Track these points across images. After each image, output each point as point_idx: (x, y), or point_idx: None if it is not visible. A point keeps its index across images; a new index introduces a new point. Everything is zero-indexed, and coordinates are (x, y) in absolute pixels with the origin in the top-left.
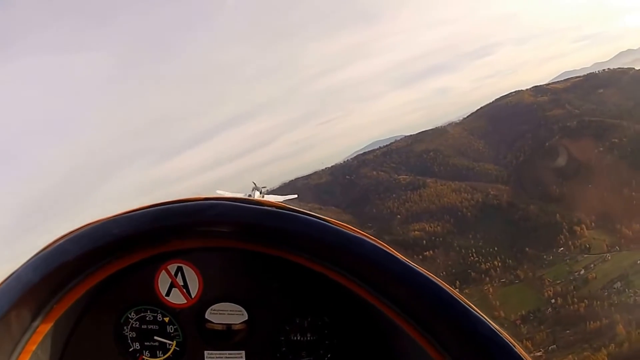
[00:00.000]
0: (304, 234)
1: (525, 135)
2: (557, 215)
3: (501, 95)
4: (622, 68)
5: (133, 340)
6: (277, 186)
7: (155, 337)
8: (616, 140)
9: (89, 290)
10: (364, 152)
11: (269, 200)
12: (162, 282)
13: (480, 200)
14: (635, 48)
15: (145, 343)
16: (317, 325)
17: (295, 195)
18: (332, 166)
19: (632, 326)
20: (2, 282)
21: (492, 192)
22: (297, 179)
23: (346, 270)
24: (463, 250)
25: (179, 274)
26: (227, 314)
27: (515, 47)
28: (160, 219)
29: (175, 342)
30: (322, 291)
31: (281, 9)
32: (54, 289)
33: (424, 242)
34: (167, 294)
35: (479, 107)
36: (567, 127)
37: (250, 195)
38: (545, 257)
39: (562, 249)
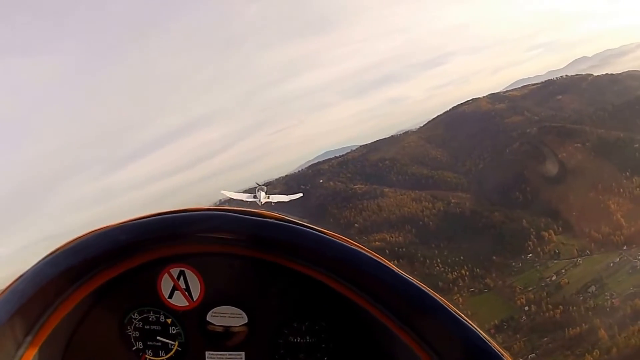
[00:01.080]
0: (301, 245)
1: (484, 142)
2: (524, 221)
3: (457, 104)
4: (580, 74)
5: (136, 339)
6: None
7: (158, 338)
8: (579, 144)
9: (94, 291)
10: (319, 162)
11: (268, 212)
12: (165, 285)
13: (442, 209)
14: (590, 55)
15: (148, 343)
16: (314, 329)
17: (301, 195)
18: (286, 176)
19: (614, 330)
20: (12, 284)
21: (453, 201)
22: (250, 189)
23: (342, 279)
24: (428, 261)
25: (181, 277)
26: (227, 317)
27: (469, 56)
28: (164, 227)
29: (177, 342)
30: (320, 297)
31: (232, 17)
32: (60, 290)
33: (387, 252)
34: (170, 297)
35: (435, 116)
36: (527, 134)
37: (255, 196)
38: (514, 264)
39: (530, 255)
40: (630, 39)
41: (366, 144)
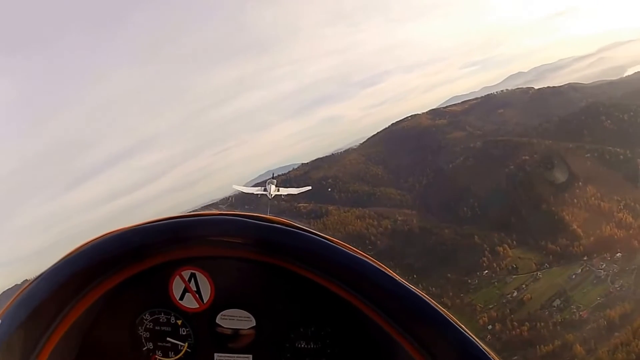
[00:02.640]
0: (308, 251)
1: (426, 158)
2: (475, 237)
3: (397, 120)
4: (522, 88)
5: (147, 340)
6: None
7: (168, 339)
8: (527, 157)
9: (107, 292)
10: (262, 182)
11: (277, 218)
12: (177, 287)
13: (388, 226)
14: (525, 70)
15: (159, 343)
16: (320, 334)
17: (309, 187)
18: (229, 198)
19: (590, 344)
20: (28, 285)
21: (400, 218)
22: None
23: (346, 286)
24: None
25: (192, 279)
26: (236, 320)
27: (404, 74)
28: (176, 230)
29: (187, 343)
30: (326, 303)
31: (173, 40)
32: (77, 290)
33: None
34: (181, 298)
35: (374, 133)
36: (470, 148)
37: (265, 189)
38: (470, 281)
39: (486, 271)
40: (568, 53)
41: (307, 163)
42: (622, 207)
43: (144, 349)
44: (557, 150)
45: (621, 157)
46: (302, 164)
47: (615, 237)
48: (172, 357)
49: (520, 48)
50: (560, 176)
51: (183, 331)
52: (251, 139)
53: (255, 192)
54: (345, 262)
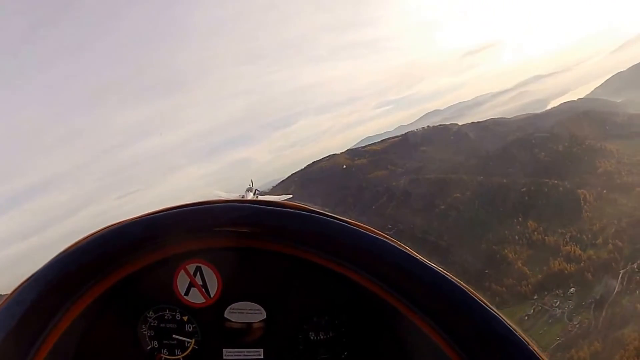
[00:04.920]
0: (322, 236)
1: (347, 199)
2: None
3: (313, 161)
4: (444, 124)
5: (151, 338)
6: None
7: (174, 336)
8: (458, 195)
9: (108, 289)
10: None
11: (288, 201)
12: (181, 282)
13: None
14: (442, 108)
15: (164, 341)
16: (334, 323)
17: (291, 195)
18: None
19: None
20: (26, 281)
21: None
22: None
23: (365, 270)
24: None
25: (198, 273)
26: (246, 313)
27: (317, 116)
28: (179, 221)
29: (194, 340)
30: (341, 290)
31: (84, 79)
32: (72, 288)
33: None
34: (186, 294)
35: (288, 175)
36: (393, 187)
37: (243, 196)
38: None
39: None
40: (485, 90)
41: None
42: (568, 239)
43: (149, 348)
44: (490, 186)
45: (560, 188)
46: None
47: (566, 271)
48: (178, 355)
49: (435, 86)
50: (496, 212)
51: (189, 327)
52: (159, 181)
53: (223, 195)
54: (363, 244)
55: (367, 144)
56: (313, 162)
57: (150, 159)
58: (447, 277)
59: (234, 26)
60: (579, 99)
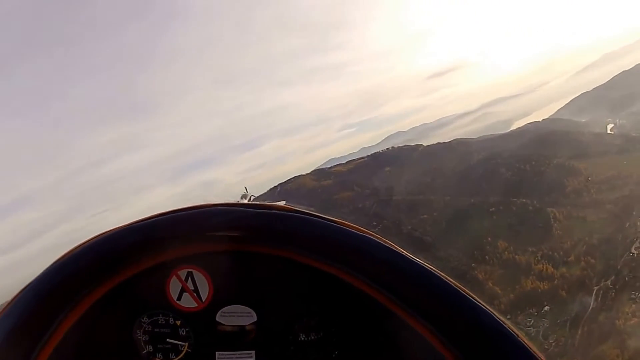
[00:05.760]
0: (311, 235)
1: None
2: None
3: (280, 182)
4: (409, 145)
5: (146, 343)
6: None
7: (168, 340)
8: (426, 215)
9: (102, 297)
10: None
11: (275, 204)
12: (174, 287)
13: None
14: (405, 130)
15: (158, 345)
16: (325, 323)
17: (284, 202)
18: None
19: None
20: (21, 292)
21: None
22: None
23: (354, 269)
24: None
25: (189, 278)
26: (237, 316)
27: (283, 138)
28: (169, 227)
29: (187, 343)
30: (331, 290)
31: (58, 97)
32: (68, 296)
33: None
34: (179, 299)
35: (258, 195)
36: (360, 209)
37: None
38: None
39: None
40: (448, 112)
41: None
42: (539, 258)
43: (144, 352)
44: (457, 206)
45: (529, 207)
46: None
47: (539, 289)
48: (173, 358)
49: (399, 108)
50: (465, 233)
51: (183, 331)
52: (129, 202)
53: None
54: (348, 240)
55: (332, 164)
56: (280, 184)
57: (120, 178)
58: (434, 273)
59: (204, 50)
60: (543, 119)
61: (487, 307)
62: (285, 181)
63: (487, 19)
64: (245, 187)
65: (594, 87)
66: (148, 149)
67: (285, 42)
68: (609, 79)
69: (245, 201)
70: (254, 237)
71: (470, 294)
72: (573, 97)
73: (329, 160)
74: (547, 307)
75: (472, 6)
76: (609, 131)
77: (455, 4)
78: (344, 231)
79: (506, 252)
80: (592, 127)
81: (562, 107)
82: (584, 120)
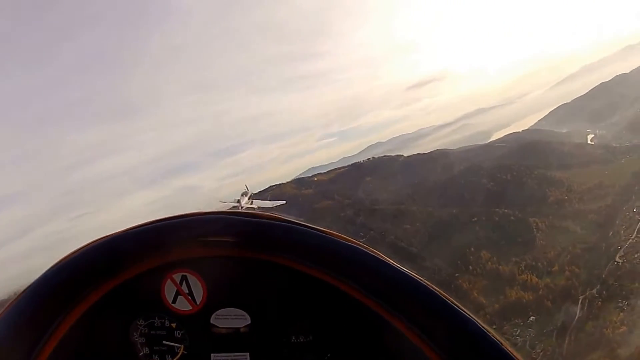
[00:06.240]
0: (300, 244)
1: None
2: None
3: (259, 191)
4: (390, 155)
5: (142, 345)
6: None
7: (164, 342)
8: (408, 225)
9: (100, 299)
10: None
11: (265, 213)
12: (168, 291)
13: None
14: (384, 140)
15: (155, 348)
16: (318, 327)
17: (284, 202)
18: None
19: None
20: (16, 299)
21: None
22: None
23: (342, 277)
24: None
25: (184, 282)
26: (231, 319)
27: (263, 146)
28: (163, 233)
29: (183, 345)
30: (323, 295)
31: (36, 101)
32: (68, 298)
33: None
34: (174, 302)
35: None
36: (341, 218)
37: (239, 200)
38: None
39: None
40: (428, 122)
41: None
42: (523, 268)
43: (141, 354)
44: (440, 217)
45: (511, 217)
46: None
47: (524, 300)
48: None
49: (379, 119)
50: (448, 243)
51: (178, 334)
52: (109, 205)
53: (226, 203)
54: (337, 250)
55: (313, 173)
56: (260, 192)
57: (100, 182)
58: (420, 281)
59: (185, 55)
60: (523, 130)
61: (472, 315)
62: (265, 189)
63: (467, 31)
64: (246, 186)
65: (574, 98)
66: (128, 152)
67: (267, 49)
68: (588, 90)
69: (246, 198)
70: (246, 244)
71: (455, 302)
72: (552, 108)
73: (310, 169)
74: (532, 317)
75: (453, 18)
76: (589, 141)
77: (437, 16)
78: (330, 239)
79: (489, 263)
80: (572, 137)
81: (542, 118)
82: (564, 131)
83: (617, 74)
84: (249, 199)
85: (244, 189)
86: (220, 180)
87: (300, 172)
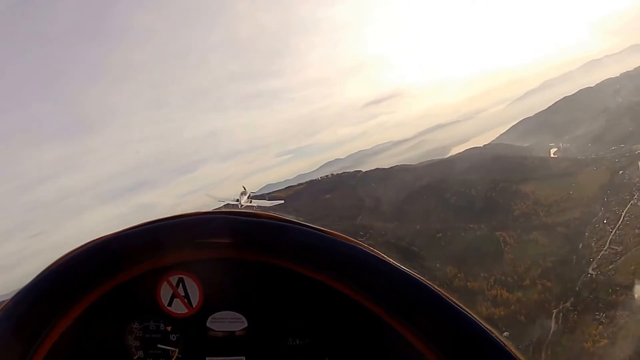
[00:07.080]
0: (299, 244)
1: None
2: None
3: (214, 209)
4: (348, 172)
5: (137, 348)
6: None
7: (159, 345)
8: (372, 242)
9: (95, 301)
10: None
11: (264, 212)
12: (164, 293)
13: None
14: (342, 157)
15: (149, 351)
16: (315, 330)
17: (282, 201)
18: None
19: None
20: (9, 302)
21: None
22: None
23: (341, 277)
24: None
25: (180, 284)
26: (227, 322)
27: (219, 163)
28: (159, 234)
29: (177, 349)
30: (321, 297)
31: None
32: (63, 300)
33: None
34: (169, 304)
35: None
36: None
37: (237, 200)
38: None
39: None
40: (385, 138)
41: None
42: (492, 283)
43: (135, 357)
44: (403, 233)
45: (477, 232)
46: None
47: (496, 315)
48: None
49: (335, 136)
50: (413, 260)
51: (173, 337)
52: (66, 224)
53: (225, 202)
54: (337, 249)
55: (269, 190)
56: (215, 209)
57: (59, 199)
58: (420, 281)
59: (142, 72)
60: (484, 144)
61: (474, 315)
62: (223, 205)
63: (424, 47)
64: (244, 187)
65: (536, 112)
66: (84, 170)
67: (225, 67)
68: (550, 104)
69: (245, 197)
70: (244, 245)
71: (456, 301)
72: (514, 122)
73: (266, 186)
74: (506, 332)
75: (410, 35)
76: (552, 154)
77: (393, 33)
78: (329, 239)
79: (457, 279)
80: (535, 151)
81: (503, 133)
82: (526, 145)
83: (582, 87)
84: (247, 198)
85: (206, 204)
86: (179, 198)
87: (257, 189)
